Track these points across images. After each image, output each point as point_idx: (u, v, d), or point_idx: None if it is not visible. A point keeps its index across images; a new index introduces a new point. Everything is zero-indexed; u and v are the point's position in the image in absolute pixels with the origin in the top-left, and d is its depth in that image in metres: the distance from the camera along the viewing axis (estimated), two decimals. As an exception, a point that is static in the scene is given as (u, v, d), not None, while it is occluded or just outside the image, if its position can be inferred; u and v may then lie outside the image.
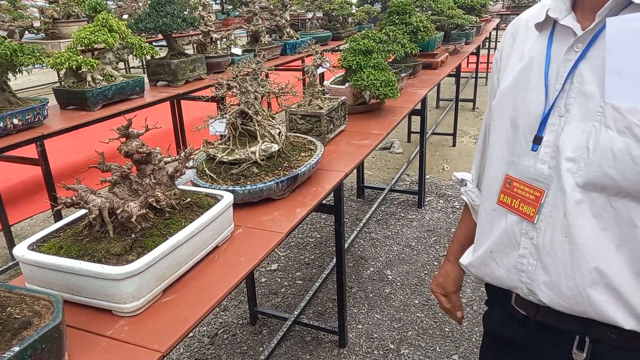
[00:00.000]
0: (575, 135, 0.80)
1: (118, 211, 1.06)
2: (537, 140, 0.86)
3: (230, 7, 10.45)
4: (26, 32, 5.59)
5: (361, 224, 3.43)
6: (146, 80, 3.27)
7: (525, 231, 0.88)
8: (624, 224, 0.77)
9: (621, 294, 0.79)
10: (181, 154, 1.27)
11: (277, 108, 1.91)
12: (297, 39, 4.65)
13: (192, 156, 1.22)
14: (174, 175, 1.20)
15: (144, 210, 1.08)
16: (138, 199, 1.11)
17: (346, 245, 3.12)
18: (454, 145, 5.24)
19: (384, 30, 3.14)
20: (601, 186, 0.77)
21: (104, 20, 2.76)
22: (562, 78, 0.83)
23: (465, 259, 1.08)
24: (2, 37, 2.18)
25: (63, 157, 4.83)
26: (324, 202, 1.75)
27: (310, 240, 3.33)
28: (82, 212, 1.21)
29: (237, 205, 1.50)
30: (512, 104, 0.92)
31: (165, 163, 1.27)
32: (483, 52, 7.85)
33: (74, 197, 1.04)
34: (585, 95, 0.80)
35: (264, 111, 1.78)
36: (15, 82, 2.39)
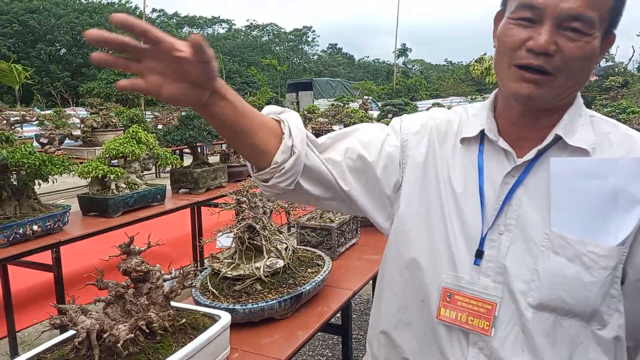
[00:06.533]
0: (521, 257, 0.83)
1: (105, 335, 1.03)
2: (479, 254, 0.86)
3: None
4: (66, 138, 6.02)
5: (377, 341, 3.24)
6: (169, 187, 3.39)
7: (474, 341, 0.85)
8: (570, 341, 0.81)
9: None
10: (179, 271, 1.26)
11: (298, 213, 1.92)
12: (318, 149, 4.83)
13: (189, 276, 1.20)
14: (170, 296, 1.17)
15: (133, 334, 1.05)
16: (129, 321, 1.08)
17: (359, 366, 2.92)
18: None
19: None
20: (553, 307, 0.81)
21: (134, 133, 2.94)
22: (500, 200, 0.86)
23: None
24: (30, 146, 2.32)
25: (79, 260, 4.88)
26: (331, 321, 1.68)
27: (321, 359, 3.15)
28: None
29: (237, 325, 1.44)
30: (442, 215, 0.89)
31: (164, 280, 1.25)
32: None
33: (63, 318, 1.02)
34: (526, 218, 0.84)
35: (272, 226, 1.79)
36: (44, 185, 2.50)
